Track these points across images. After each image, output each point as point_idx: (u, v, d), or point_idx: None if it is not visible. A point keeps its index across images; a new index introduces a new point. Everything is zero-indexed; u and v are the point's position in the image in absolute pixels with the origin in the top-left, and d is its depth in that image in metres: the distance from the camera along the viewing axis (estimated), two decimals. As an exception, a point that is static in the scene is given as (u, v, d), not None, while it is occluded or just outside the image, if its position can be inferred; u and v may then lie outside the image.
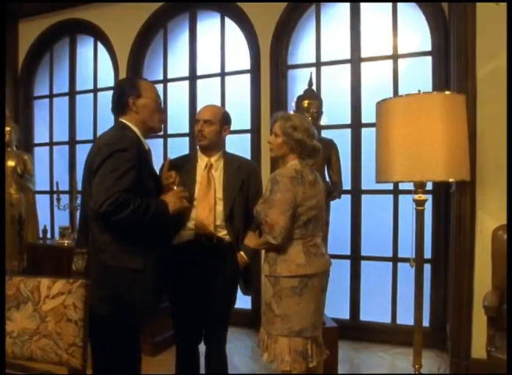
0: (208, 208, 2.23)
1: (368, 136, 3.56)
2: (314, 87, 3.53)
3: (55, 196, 4.47)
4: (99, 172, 1.81)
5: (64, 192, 4.39)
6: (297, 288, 2.10)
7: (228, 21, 4.25)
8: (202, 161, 2.32)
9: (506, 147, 2.74)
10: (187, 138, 4.27)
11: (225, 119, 2.34)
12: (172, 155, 2.51)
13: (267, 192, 2.14)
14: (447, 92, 2.50)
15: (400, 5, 3.69)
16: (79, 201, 3.92)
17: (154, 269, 1.94)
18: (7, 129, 4.46)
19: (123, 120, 2.03)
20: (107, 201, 1.74)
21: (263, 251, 2.31)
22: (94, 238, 1.92)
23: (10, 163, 4.39)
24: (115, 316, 1.85)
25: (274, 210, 2.08)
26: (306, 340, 2.15)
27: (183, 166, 2.30)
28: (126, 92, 2.04)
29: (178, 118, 4.40)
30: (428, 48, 3.62)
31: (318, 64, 3.95)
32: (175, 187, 2.08)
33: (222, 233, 2.25)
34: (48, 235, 4.53)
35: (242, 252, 2.26)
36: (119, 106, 2.06)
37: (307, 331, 2.14)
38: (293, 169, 2.15)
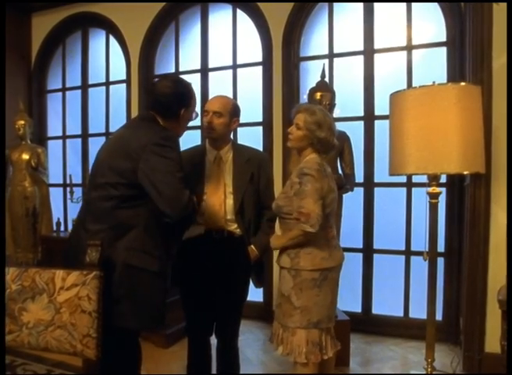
0: (218, 203, 2.21)
1: (382, 128, 3.53)
2: (326, 79, 3.50)
3: (68, 189, 4.52)
4: (159, 171, 1.74)
5: (77, 185, 4.43)
6: (318, 280, 2.12)
7: (240, 13, 4.22)
8: (211, 154, 2.28)
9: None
10: (199, 131, 4.27)
11: (234, 111, 2.27)
12: (183, 148, 2.50)
13: (296, 186, 2.11)
14: (462, 83, 2.46)
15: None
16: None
17: (166, 269, 1.92)
18: (21, 122, 4.50)
19: (162, 123, 1.93)
20: (190, 205, 1.77)
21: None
22: (115, 236, 1.79)
23: (24, 156, 4.44)
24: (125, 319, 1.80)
25: (308, 200, 2.06)
26: (321, 331, 2.17)
27: (192, 160, 2.26)
28: (181, 102, 1.93)
29: (190, 111, 4.41)
30: (443, 38, 3.56)
31: (331, 56, 3.91)
32: None
33: (233, 226, 2.24)
34: (62, 228, 4.59)
35: (253, 246, 2.25)
36: (165, 112, 1.93)
37: (323, 322, 2.16)
38: (316, 162, 2.16)
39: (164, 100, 1.91)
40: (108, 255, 1.77)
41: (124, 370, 1.90)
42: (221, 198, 2.22)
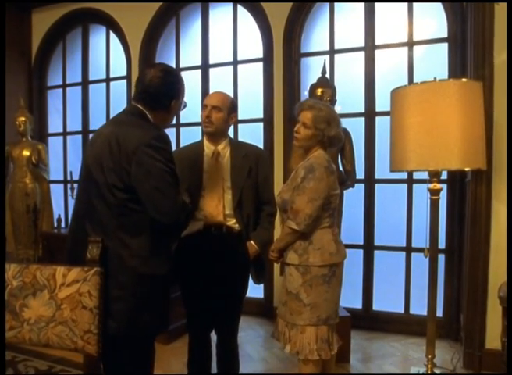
0: (216, 198, 2.21)
1: (383, 124, 3.52)
2: (327, 75, 3.49)
3: (68, 186, 4.53)
4: (151, 177, 1.66)
5: (78, 182, 4.42)
6: (327, 276, 2.12)
7: (240, 9, 4.21)
8: (209, 149, 2.28)
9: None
10: (200, 127, 4.26)
11: (232, 107, 2.30)
12: (182, 145, 2.51)
13: (298, 179, 2.12)
14: (464, 79, 2.46)
15: (415, -10, 3.62)
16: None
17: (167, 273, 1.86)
18: (22, 119, 4.50)
19: (150, 115, 1.80)
20: (183, 211, 1.76)
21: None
22: (122, 242, 1.72)
23: (25, 153, 4.44)
24: (137, 327, 1.75)
25: (302, 197, 2.07)
26: (329, 327, 2.17)
27: (190, 156, 2.27)
28: (171, 94, 1.82)
29: (190, 107, 4.36)
30: (445, 34, 3.54)
31: (332, 52, 3.90)
32: None
33: (232, 221, 2.23)
34: (62, 224, 4.59)
35: (252, 242, 2.24)
36: (155, 104, 1.80)
37: (332, 318, 2.17)
38: (325, 158, 2.15)
39: (153, 92, 1.79)
40: (118, 264, 1.72)
41: (141, 372, 1.86)
42: (219, 193, 2.22)
